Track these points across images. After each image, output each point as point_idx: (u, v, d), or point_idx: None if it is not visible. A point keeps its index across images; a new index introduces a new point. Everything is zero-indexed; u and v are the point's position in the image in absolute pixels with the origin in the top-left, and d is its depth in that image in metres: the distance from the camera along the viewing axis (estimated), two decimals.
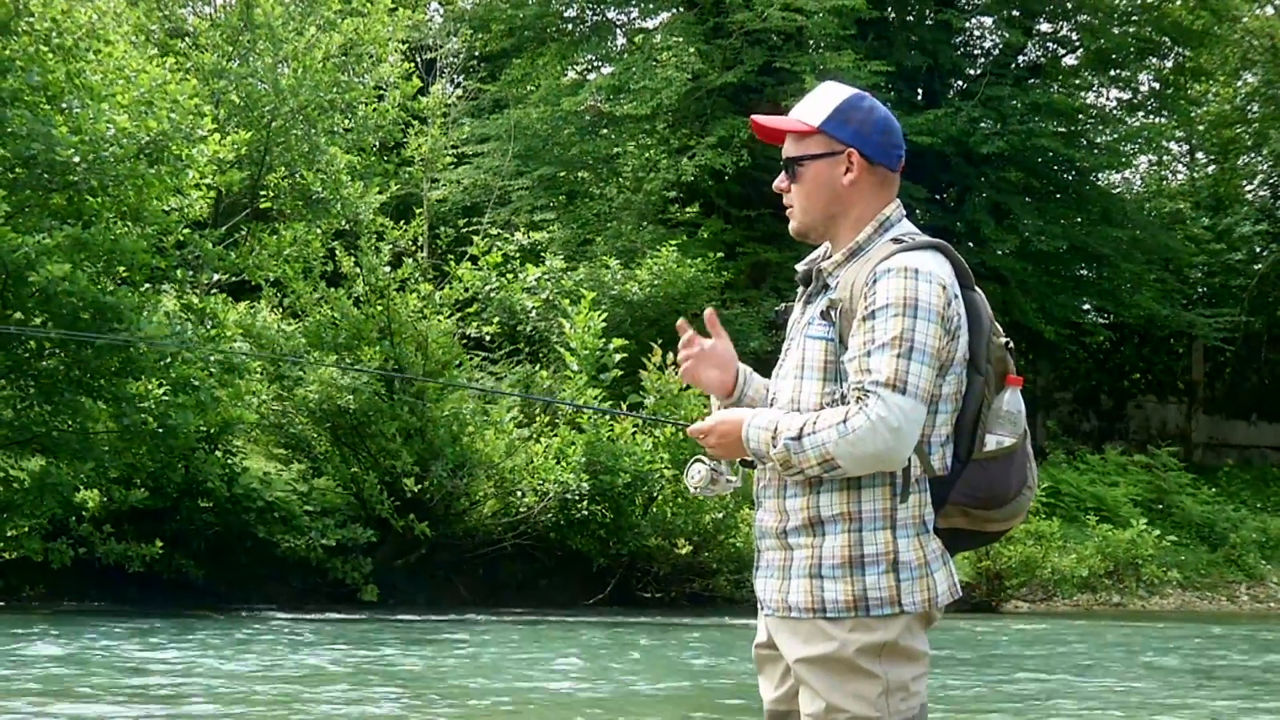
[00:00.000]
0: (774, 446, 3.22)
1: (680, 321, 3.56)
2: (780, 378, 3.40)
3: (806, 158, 3.35)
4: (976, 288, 3.35)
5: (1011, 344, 3.38)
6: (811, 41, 24.61)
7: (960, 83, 27.58)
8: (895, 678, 3.22)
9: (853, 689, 3.20)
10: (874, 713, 3.20)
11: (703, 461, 3.47)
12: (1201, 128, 32.02)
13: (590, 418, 16.96)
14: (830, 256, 3.38)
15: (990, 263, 25.29)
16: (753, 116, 3.49)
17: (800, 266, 3.47)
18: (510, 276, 20.45)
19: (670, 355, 17.36)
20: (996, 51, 28.44)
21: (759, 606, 3.43)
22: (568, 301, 18.89)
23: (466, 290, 18.37)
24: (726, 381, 3.47)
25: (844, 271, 3.32)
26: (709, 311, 3.55)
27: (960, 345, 3.26)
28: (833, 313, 3.27)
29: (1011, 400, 3.31)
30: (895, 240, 3.30)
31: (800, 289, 3.46)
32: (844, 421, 3.14)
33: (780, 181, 3.40)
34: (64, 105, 14.39)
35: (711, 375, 3.48)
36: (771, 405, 3.40)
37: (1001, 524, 3.37)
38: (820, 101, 3.37)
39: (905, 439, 3.14)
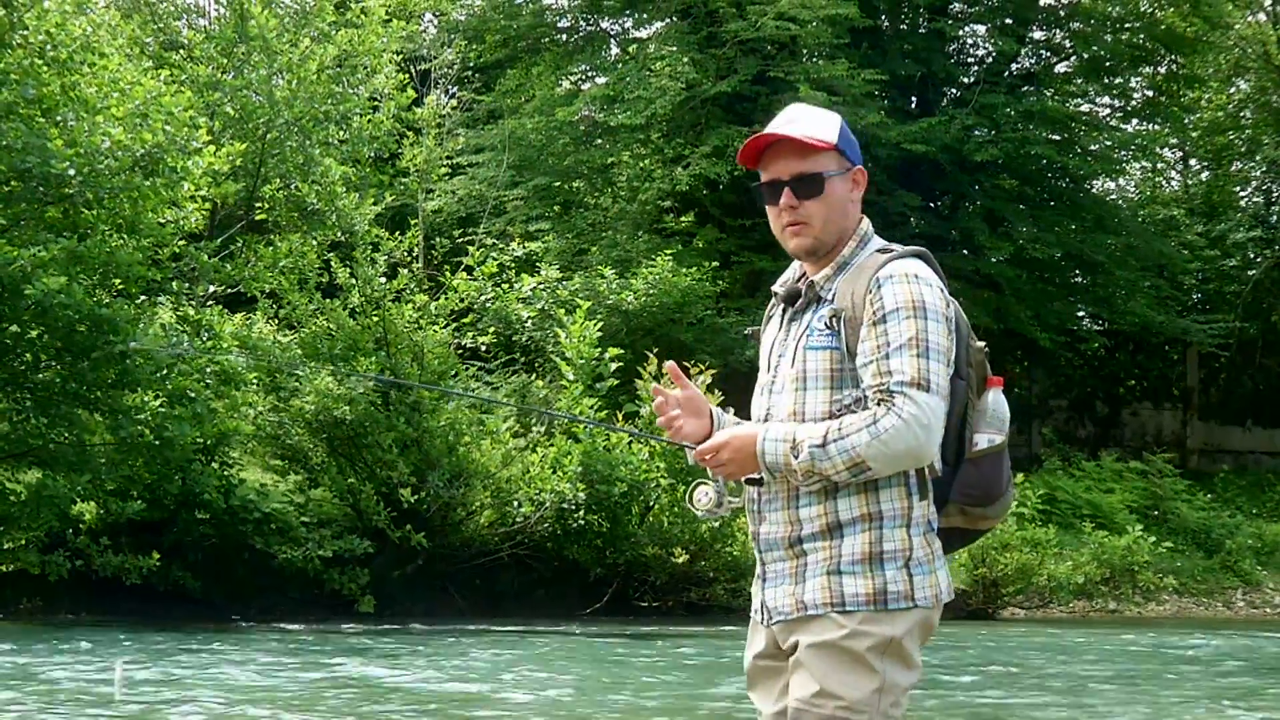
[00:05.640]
0: (795, 457, 3.27)
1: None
2: (774, 393, 3.45)
3: (829, 174, 3.40)
4: (951, 296, 3.46)
5: (988, 348, 3.51)
6: (805, 51, 24.65)
7: (954, 91, 27.60)
8: (891, 680, 3.29)
9: (850, 678, 3.27)
10: (864, 705, 3.26)
11: (706, 484, 3.53)
12: (1195, 134, 32.04)
13: (586, 427, 16.96)
14: (805, 274, 3.46)
15: (985, 270, 25.33)
16: (773, 131, 3.43)
17: (779, 289, 3.52)
18: (506, 287, 20.48)
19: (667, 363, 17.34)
20: (990, 59, 28.46)
21: (759, 620, 3.47)
22: (563, 311, 18.91)
23: (462, 300, 18.38)
24: (705, 425, 3.55)
25: (837, 284, 3.39)
26: (670, 365, 3.61)
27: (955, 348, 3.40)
28: (836, 322, 3.33)
29: (995, 400, 3.44)
30: (881, 250, 3.40)
31: (781, 308, 3.50)
32: (875, 423, 3.21)
33: (788, 199, 3.39)
34: (59, 118, 14.41)
35: (692, 425, 3.55)
36: (766, 420, 3.44)
37: (992, 521, 3.50)
38: (823, 121, 3.44)
39: (935, 435, 3.25)
